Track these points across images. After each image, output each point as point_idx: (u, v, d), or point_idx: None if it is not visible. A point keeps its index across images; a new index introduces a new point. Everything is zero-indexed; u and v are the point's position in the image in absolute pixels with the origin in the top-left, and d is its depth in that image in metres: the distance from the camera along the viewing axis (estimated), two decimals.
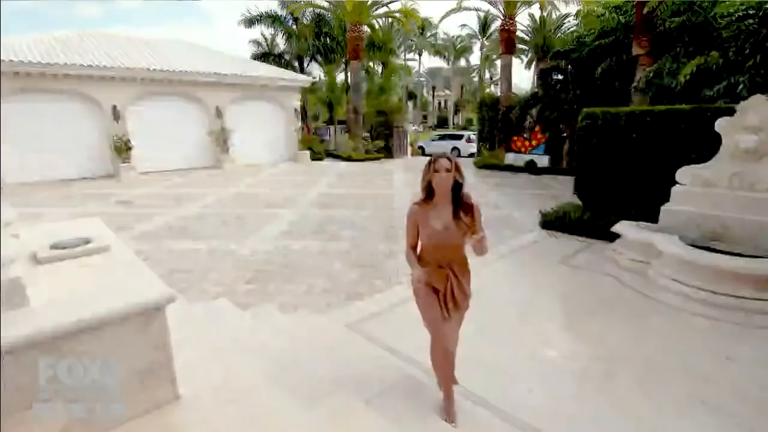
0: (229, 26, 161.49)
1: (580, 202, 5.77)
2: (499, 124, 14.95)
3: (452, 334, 2.15)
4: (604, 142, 5.14)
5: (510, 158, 13.52)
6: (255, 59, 21.41)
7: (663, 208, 4.17)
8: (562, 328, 3.17)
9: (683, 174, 4.12)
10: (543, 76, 13.83)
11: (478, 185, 10.41)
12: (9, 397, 1.20)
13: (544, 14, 17.61)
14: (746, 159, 3.77)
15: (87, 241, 1.80)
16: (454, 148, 19.92)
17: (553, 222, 5.58)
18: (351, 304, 3.73)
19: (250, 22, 22.03)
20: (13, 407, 1.21)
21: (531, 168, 12.53)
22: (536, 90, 14.60)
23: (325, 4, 18.99)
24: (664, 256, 3.70)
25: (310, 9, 20.78)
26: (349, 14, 16.56)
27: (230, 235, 5.96)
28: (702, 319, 3.13)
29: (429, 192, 2.06)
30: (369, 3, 17.30)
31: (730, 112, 3.90)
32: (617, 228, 4.34)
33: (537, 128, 13.12)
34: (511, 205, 7.82)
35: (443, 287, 2.10)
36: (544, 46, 16.93)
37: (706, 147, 4.12)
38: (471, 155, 19.05)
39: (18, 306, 1.25)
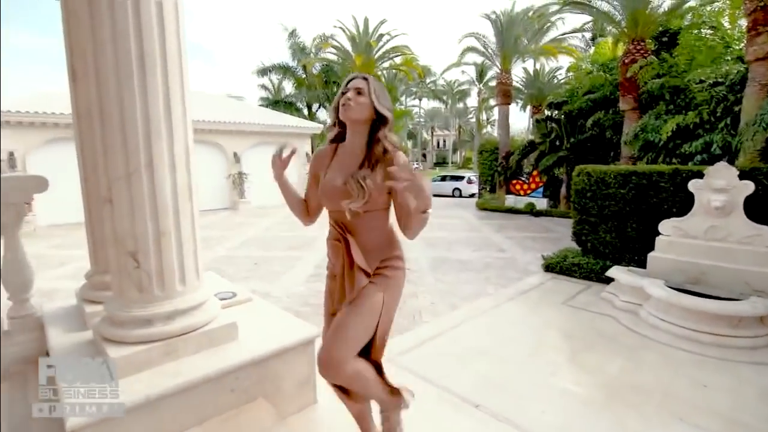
0: (232, 67, 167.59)
1: (578, 247, 6.41)
2: (498, 168, 15.86)
3: (333, 335, 1.52)
4: (597, 196, 5.87)
5: (510, 201, 14.30)
6: (266, 105, 22.70)
7: (650, 255, 4.82)
8: (568, 360, 3.73)
9: (665, 226, 4.80)
10: (538, 125, 14.88)
11: (482, 227, 11.09)
12: (236, 396, 1.84)
13: (537, 67, 18.99)
14: (717, 215, 4.45)
15: (234, 294, 2.42)
16: (456, 189, 20.79)
17: (555, 266, 6.20)
18: None
19: (263, 72, 23.54)
20: (229, 406, 1.83)
21: (531, 210, 13.27)
22: (533, 137, 15.62)
23: (334, 58, 20.47)
24: (652, 299, 4.31)
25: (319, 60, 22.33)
26: (358, 68, 17.88)
27: (263, 276, 6.55)
28: (685, 353, 3.71)
29: (339, 126, 1.58)
30: (375, 57, 18.72)
31: (701, 175, 4.63)
32: (611, 272, 4.97)
33: (535, 172, 13.99)
34: (515, 248, 8.46)
35: (337, 268, 1.58)
36: (538, 97, 18.16)
37: (684, 202, 4.84)
38: (472, 195, 19.90)
39: (233, 339, 1.88)
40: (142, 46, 1.61)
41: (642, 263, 5.13)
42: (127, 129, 1.62)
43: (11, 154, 12.00)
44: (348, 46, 18.70)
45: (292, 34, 23.48)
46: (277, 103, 24.04)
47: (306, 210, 1.72)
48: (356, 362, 1.55)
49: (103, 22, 1.58)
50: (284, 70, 23.65)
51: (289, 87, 25.47)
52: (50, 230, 11.44)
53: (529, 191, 14.11)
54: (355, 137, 1.56)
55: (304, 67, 22.69)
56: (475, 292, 5.67)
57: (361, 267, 1.52)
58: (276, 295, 5.68)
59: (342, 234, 1.56)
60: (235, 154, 14.96)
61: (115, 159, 1.64)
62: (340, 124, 1.57)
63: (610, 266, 5.36)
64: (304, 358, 2.15)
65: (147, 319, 1.70)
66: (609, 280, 5.14)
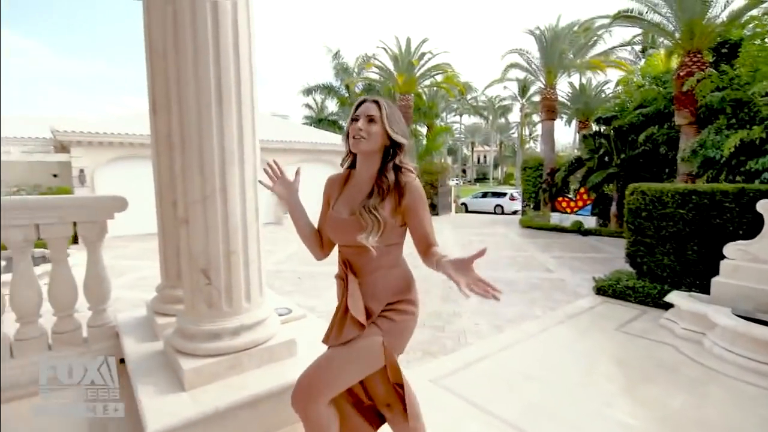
0: (277, 87, 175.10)
1: (632, 270, 6.11)
2: (543, 185, 15.46)
3: (318, 369, 1.40)
4: (653, 216, 5.59)
5: (556, 219, 13.86)
6: (309, 124, 23.52)
7: (714, 280, 4.52)
8: (623, 390, 3.54)
9: (731, 249, 4.49)
10: (586, 141, 14.43)
11: (526, 246, 10.81)
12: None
13: (584, 82, 18.50)
14: None
15: (290, 310, 2.53)
16: (498, 206, 20.44)
17: (607, 288, 5.93)
18: (429, 361, 4.27)
19: (308, 91, 24.48)
20: (291, 420, 1.87)
21: (578, 229, 12.79)
22: (579, 153, 15.14)
23: (377, 77, 20.93)
24: (717, 327, 4.02)
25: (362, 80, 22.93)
26: (400, 87, 18.19)
27: (306, 291, 6.72)
28: (755, 388, 3.42)
29: (351, 154, 1.45)
30: (417, 75, 18.97)
31: None
32: (671, 298, 4.69)
33: (582, 190, 13.51)
34: (562, 269, 8.17)
35: (339, 306, 1.46)
36: (585, 111, 17.65)
37: (752, 224, 4.52)
38: (514, 212, 19.48)
39: (292, 355, 1.97)
40: (220, 80, 1.77)
41: (704, 288, 4.81)
42: (205, 156, 1.77)
43: (81, 170, 13.13)
44: (390, 65, 19.10)
45: (336, 55, 24.33)
46: (321, 121, 24.84)
47: (320, 242, 1.55)
48: (327, 408, 1.40)
49: (187, 61, 1.75)
50: (328, 89, 24.47)
51: (331, 105, 26.34)
52: (111, 241, 12.31)
53: (576, 209, 13.63)
54: (366, 166, 1.42)
55: (347, 87, 23.36)
56: (521, 314, 5.52)
57: (355, 318, 1.37)
58: (320, 311, 5.79)
59: (345, 272, 1.43)
60: None
61: (192, 184, 1.80)
62: (351, 152, 1.44)
63: (669, 291, 5.07)
64: None
65: (216, 333, 1.82)
66: (667, 306, 4.85)
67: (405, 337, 1.50)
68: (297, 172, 1.55)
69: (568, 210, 13.80)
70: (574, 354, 4.34)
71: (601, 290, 6.02)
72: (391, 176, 1.37)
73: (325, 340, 1.49)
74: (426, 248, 1.37)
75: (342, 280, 1.46)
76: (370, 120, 1.35)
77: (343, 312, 1.42)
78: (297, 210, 1.54)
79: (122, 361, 2.52)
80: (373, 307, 1.41)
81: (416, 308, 1.51)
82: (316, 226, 1.57)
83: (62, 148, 13.93)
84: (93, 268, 2.49)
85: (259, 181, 1.59)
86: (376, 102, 1.39)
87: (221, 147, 1.79)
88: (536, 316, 5.44)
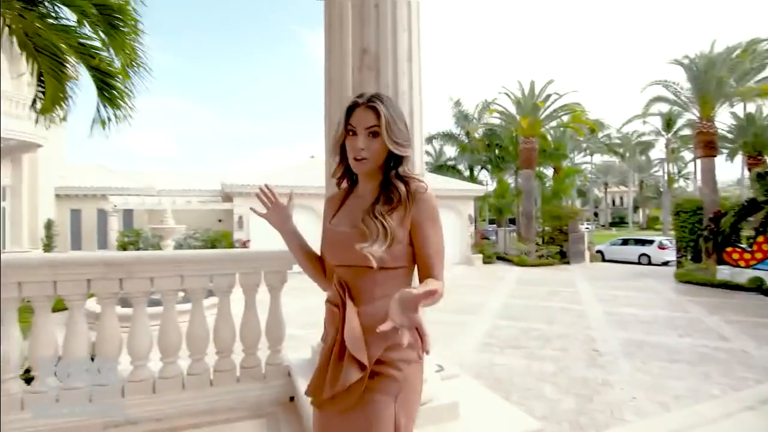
0: None
1: None
2: (705, 232, 13.17)
3: None
4: None
5: (725, 273, 11.59)
6: (429, 170, 24.20)
7: None
8: None
9: None
10: (761, 180, 12.02)
11: (687, 305, 9.21)
12: None
13: (753, 111, 15.73)
14: None
15: (442, 368, 2.60)
16: (643, 255, 17.96)
17: None
18: None
19: (429, 139, 25.45)
20: None
21: (759, 287, 10.47)
22: (752, 194, 12.64)
23: (498, 122, 20.87)
24: None
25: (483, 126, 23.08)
26: (523, 130, 17.82)
27: (434, 341, 6.68)
28: None
29: (345, 167, 1.25)
30: (542, 117, 18.39)
31: None
32: None
33: (761, 239, 11.15)
34: (742, 337, 6.70)
35: (329, 339, 1.19)
36: (756, 144, 14.85)
37: None
38: (665, 264, 16.87)
39: (455, 418, 2.01)
40: None
41: None
42: None
43: (240, 217, 15.53)
44: (512, 109, 18.93)
45: (457, 103, 25.06)
46: (440, 167, 25.43)
47: (323, 270, 1.33)
48: None
49: None
50: (447, 137, 25.13)
51: (449, 151, 26.88)
52: None
53: (753, 262, 11.21)
54: (368, 182, 1.23)
55: (467, 133, 23.70)
56: (692, 391, 4.65)
57: (352, 355, 1.08)
58: (450, 363, 5.68)
59: (342, 297, 1.16)
60: None
61: None
62: (342, 161, 1.23)
63: None
64: None
65: None
66: None
67: (418, 396, 1.20)
68: (290, 197, 1.35)
69: (742, 263, 11.42)
70: None
71: None
72: (400, 186, 1.16)
73: (311, 392, 1.17)
74: (425, 277, 1.14)
75: (336, 307, 1.17)
76: (370, 132, 1.13)
77: (338, 351, 1.12)
78: (293, 238, 1.35)
79: (291, 399, 2.82)
80: (372, 348, 1.09)
81: (421, 354, 1.16)
82: (318, 252, 1.36)
83: (227, 198, 16.73)
84: (274, 312, 2.89)
85: (251, 209, 1.41)
86: (374, 107, 1.13)
87: None
88: (713, 396, 4.52)
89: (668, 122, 30.19)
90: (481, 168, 25.19)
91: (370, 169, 1.18)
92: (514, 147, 20.52)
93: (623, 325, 7.47)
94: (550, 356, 5.90)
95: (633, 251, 18.43)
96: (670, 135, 32.15)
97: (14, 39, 4.80)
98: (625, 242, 19.67)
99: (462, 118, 24.86)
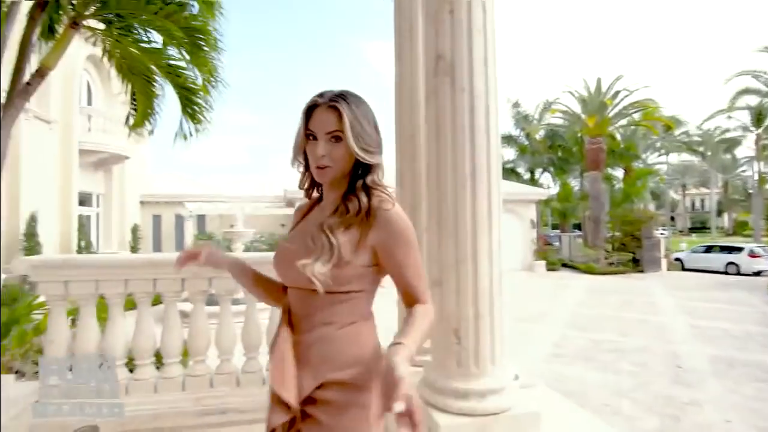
0: None
1: None
2: None
3: None
4: None
5: None
6: None
7: None
8: None
9: None
10: None
11: None
12: None
13: None
14: None
15: (517, 376, 2.54)
16: (731, 263, 16.24)
17: None
18: None
19: None
20: None
21: None
22: None
23: (560, 122, 19.96)
24: None
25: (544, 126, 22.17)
26: (590, 129, 16.87)
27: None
28: None
29: (311, 175, 1.08)
30: (610, 116, 17.32)
31: None
32: None
33: None
34: None
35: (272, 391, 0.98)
36: None
37: None
38: (758, 273, 15.16)
39: (536, 430, 1.96)
40: (474, 162, 1.99)
41: None
42: (459, 225, 1.98)
43: None
44: (577, 108, 18.00)
45: (515, 104, 24.30)
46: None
47: (279, 291, 1.17)
48: None
49: (446, 144, 2.04)
50: (507, 139, 24.39)
51: (508, 153, 26.04)
52: None
53: None
54: (331, 192, 1.09)
55: (527, 135, 22.87)
56: None
57: (277, 393, 0.94)
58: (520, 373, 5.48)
59: (285, 322, 1.03)
60: None
61: (447, 249, 2.01)
62: (308, 169, 1.08)
63: None
64: None
65: (464, 392, 1.92)
66: None
67: None
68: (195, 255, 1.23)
69: None
70: None
71: None
72: (363, 198, 1.00)
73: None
74: (410, 303, 1.02)
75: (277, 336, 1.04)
76: (332, 137, 0.98)
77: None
78: (235, 266, 1.24)
79: None
80: (304, 382, 0.95)
81: (372, 399, 0.96)
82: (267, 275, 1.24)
83: (290, 203, 17.47)
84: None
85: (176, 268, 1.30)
86: (335, 106, 0.97)
87: (474, 219, 1.98)
88: None
89: (758, 116, 27.03)
90: (543, 170, 24.15)
91: (333, 178, 1.03)
92: (579, 148, 19.48)
93: (711, 339, 6.78)
94: (626, 370, 5.50)
95: (719, 259, 16.65)
96: (760, 130, 28.77)
97: (113, 62, 5.38)
98: (708, 249, 17.82)
99: (521, 119, 24.04)
